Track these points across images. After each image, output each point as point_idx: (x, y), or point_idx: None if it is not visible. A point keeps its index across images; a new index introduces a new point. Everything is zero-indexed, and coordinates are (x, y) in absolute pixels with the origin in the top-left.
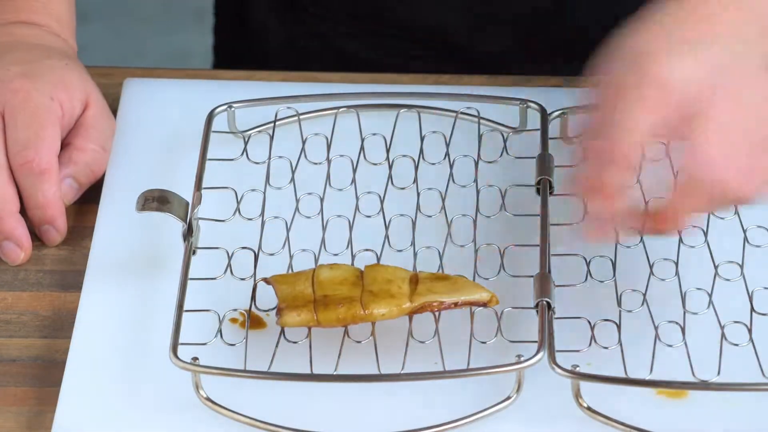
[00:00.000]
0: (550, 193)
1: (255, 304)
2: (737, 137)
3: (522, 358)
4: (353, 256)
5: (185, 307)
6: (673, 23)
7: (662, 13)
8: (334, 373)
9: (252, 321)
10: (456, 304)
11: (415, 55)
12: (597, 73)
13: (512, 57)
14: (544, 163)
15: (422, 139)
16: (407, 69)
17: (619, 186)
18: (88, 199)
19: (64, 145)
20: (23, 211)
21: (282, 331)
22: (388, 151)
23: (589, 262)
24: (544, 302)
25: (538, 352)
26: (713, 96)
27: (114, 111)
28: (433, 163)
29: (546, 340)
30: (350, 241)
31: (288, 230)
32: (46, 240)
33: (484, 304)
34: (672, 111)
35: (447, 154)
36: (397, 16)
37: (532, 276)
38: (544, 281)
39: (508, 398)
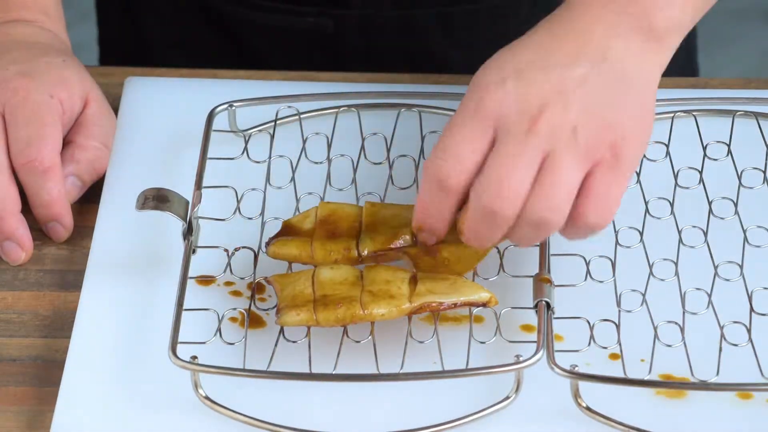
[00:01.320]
0: None
1: (254, 303)
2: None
3: (521, 359)
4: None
5: (185, 306)
6: (522, 50)
7: (520, 42)
8: (333, 373)
9: (252, 320)
10: (455, 305)
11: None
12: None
13: None
14: None
15: (423, 138)
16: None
17: (444, 212)
18: (89, 198)
19: (66, 143)
20: (24, 210)
21: (281, 331)
22: (388, 150)
23: (589, 262)
24: (544, 302)
25: (537, 352)
26: (535, 123)
27: (115, 110)
28: None
29: (545, 341)
30: None
31: None
32: (53, 236)
33: (484, 305)
34: (491, 137)
35: None
36: None
37: (531, 276)
38: (543, 281)
39: (507, 398)
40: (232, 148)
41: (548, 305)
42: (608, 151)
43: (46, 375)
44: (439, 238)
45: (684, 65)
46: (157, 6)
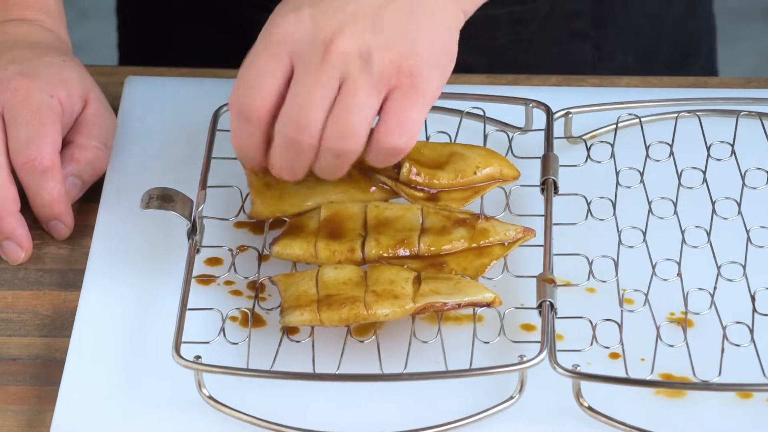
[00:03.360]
0: (555, 193)
1: (258, 303)
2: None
3: (525, 359)
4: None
5: (188, 306)
6: None
7: None
8: (337, 373)
9: (257, 318)
10: (459, 305)
11: None
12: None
13: None
14: (549, 163)
15: (427, 138)
16: None
17: (255, 143)
18: (89, 198)
19: (66, 143)
20: (24, 210)
21: (285, 330)
22: None
23: (592, 261)
24: (547, 303)
25: (540, 352)
26: (328, 51)
27: (115, 110)
28: None
29: (548, 341)
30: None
31: None
32: (55, 234)
33: (488, 305)
34: (288, 65)
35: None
36: None
37: (534, 276)
38: (547, 282)
39: (511, 398)
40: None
41: (552, 305)
42: (405, 77)
43: (46, 374)
44: (260, 166)
45: (704, 65)
46: (171, 8)
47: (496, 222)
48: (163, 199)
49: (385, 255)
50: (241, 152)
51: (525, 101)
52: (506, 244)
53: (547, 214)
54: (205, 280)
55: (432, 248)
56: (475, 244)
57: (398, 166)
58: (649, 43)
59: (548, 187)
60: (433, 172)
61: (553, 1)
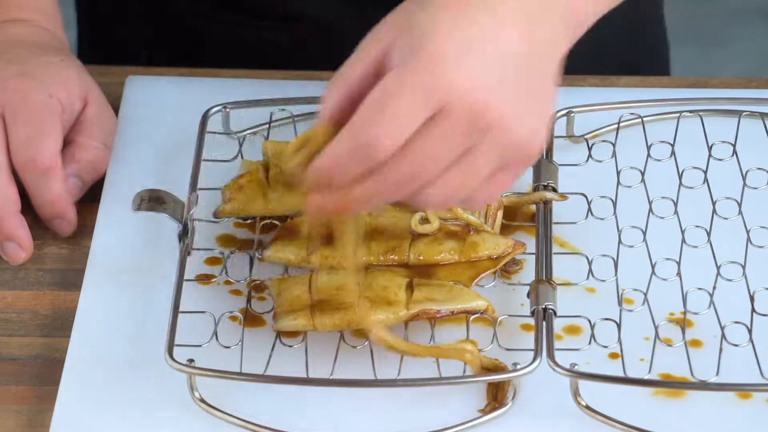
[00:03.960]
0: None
1: (250, 306)
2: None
3: (518, 366)
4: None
5: (181, 309)
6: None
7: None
8: (330, 378)
9: (252, 319)
10: (452, 313)
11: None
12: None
13: None
14: (540, 169)
15: None
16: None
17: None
18: (89, 198)
19: (66, 142)
20: (24, 210)
21: (278, 334)
22: None
23: (591, 261)
24: (540, 309)
25: (534, 360)
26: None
27: (115, 110)
28: None
29: (542, 349)
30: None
31: None
32: (59, 231)
33: (481, 313)
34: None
35: None
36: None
37: (528, 284)
38: (540, 288)
39: (504, 405)
40: (230, 149)
41: (545, 313)
42: (523, 159)
43: (45, 374)
44: (333, 187)
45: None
46: (125, 12)
47: (486, 235)
48: (154, 201)
49: (375, 262)
50: (336, 172)
51: None
52: (495, 257)
53: (539, 224)
54: (206, 280)
55: (421, 257)
56: (464, 259)
57: None
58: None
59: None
60: None
61: None
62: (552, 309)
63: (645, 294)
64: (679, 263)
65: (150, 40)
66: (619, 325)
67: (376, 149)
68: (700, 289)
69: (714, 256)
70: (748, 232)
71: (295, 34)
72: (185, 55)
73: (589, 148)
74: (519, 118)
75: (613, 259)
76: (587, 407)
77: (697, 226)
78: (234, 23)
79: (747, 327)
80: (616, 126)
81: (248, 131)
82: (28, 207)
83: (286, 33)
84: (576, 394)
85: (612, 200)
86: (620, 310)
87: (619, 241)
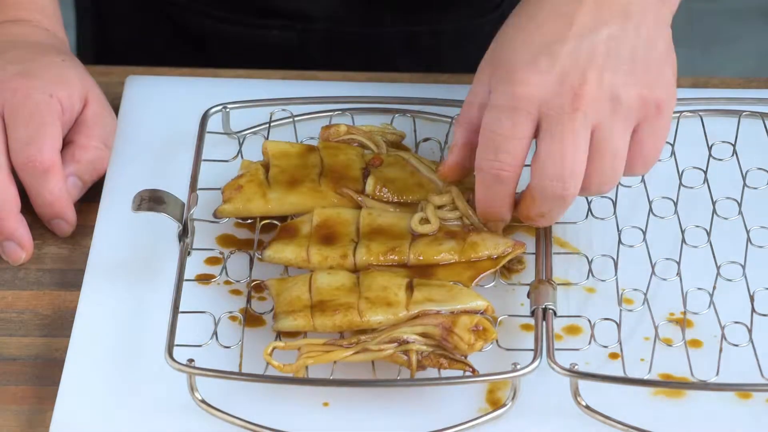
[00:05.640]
0: None
1: (250, 307)
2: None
3: (518, 366)
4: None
5: (181, 309)
6: (536, 24)
7: (523, 16)
8: (330, 378)
9: (252, 319)
10: (452, 313)
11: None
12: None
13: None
14: None
15: (417, 145)
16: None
17: (504, 199)
18: (89, 198)
19: (66, 143)
20: (24, 210)
21: (278, 334)
22: None
23: (591, 260)
24: (540, 309)
25: (534, 360)
26: (578, 101)
27: (115, 109)
28: None
29: (542, 349)
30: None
31: None
32: (58, 232)
33: (481, 313)
34: (535, 121)
35: (441, 158)
36: None
37: (529, 284)
38: (540, 288)
39: (504, 405)
40: (229, 149)
41: (545, 313)
42: (651, 109)
43: (45, 374)
44: (505, 222)
45: None
46: (124, 12)
47: (486, 235)
48: (154, 201)
49: (375, 263)
50: (488, 210)
51: None
52: (495, 257)
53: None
54: (205, 280)
55: (421, 257)
56: (464, 259)
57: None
58: None
59: None
60: (401, 193)
61: None
62: (552, 309)
63: (645, 294)
64: (679, 263)
65: (150, 40)
66: (619, 325)
67: (502, 175)
68: (700, 289)
69: (714, 256)
70: (748, 232)
71: (299, 34)
72: (186, 55)
73: None
74: (650, 85)
75: (613, 259)
76: (587, 407)
77: (697, 226)
78: (237, 23)
79: (747, 327)
80: None
81: (248, 131)
82: (28, 207)
83: (290, 33)
84: (576, 394)
85: (612, 200)
86: (620, 310)
87: (619, 241)
